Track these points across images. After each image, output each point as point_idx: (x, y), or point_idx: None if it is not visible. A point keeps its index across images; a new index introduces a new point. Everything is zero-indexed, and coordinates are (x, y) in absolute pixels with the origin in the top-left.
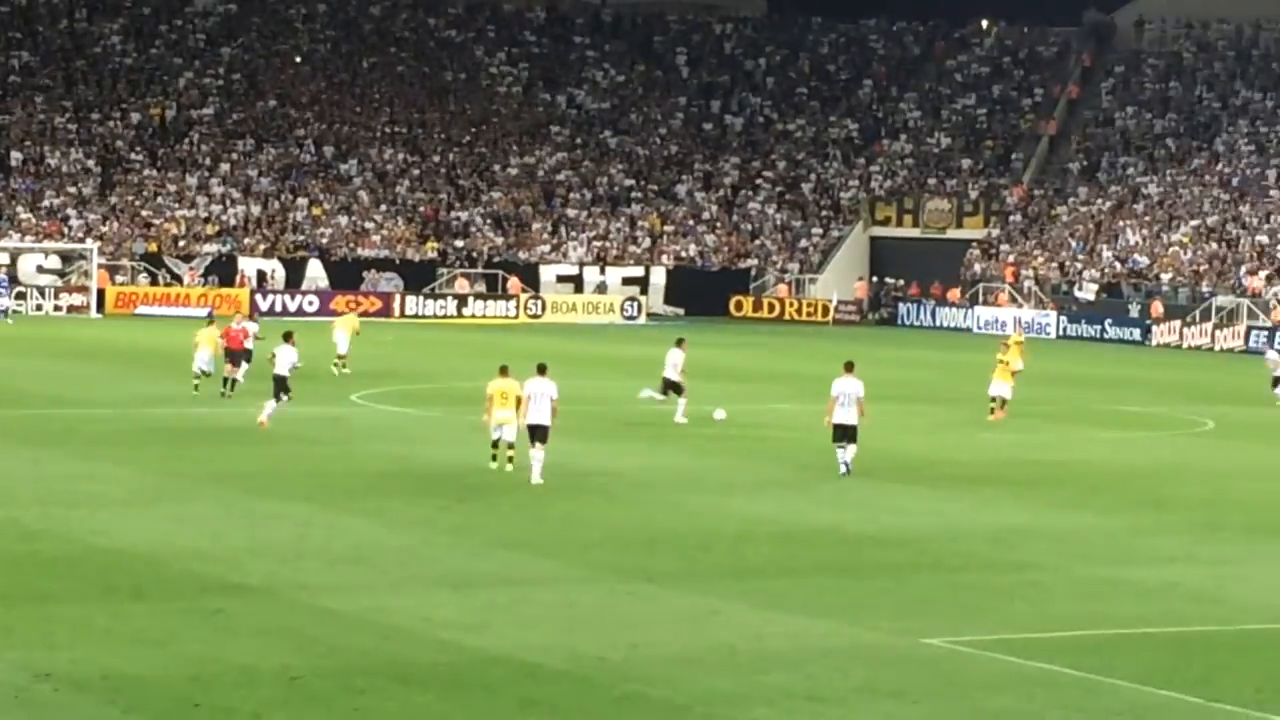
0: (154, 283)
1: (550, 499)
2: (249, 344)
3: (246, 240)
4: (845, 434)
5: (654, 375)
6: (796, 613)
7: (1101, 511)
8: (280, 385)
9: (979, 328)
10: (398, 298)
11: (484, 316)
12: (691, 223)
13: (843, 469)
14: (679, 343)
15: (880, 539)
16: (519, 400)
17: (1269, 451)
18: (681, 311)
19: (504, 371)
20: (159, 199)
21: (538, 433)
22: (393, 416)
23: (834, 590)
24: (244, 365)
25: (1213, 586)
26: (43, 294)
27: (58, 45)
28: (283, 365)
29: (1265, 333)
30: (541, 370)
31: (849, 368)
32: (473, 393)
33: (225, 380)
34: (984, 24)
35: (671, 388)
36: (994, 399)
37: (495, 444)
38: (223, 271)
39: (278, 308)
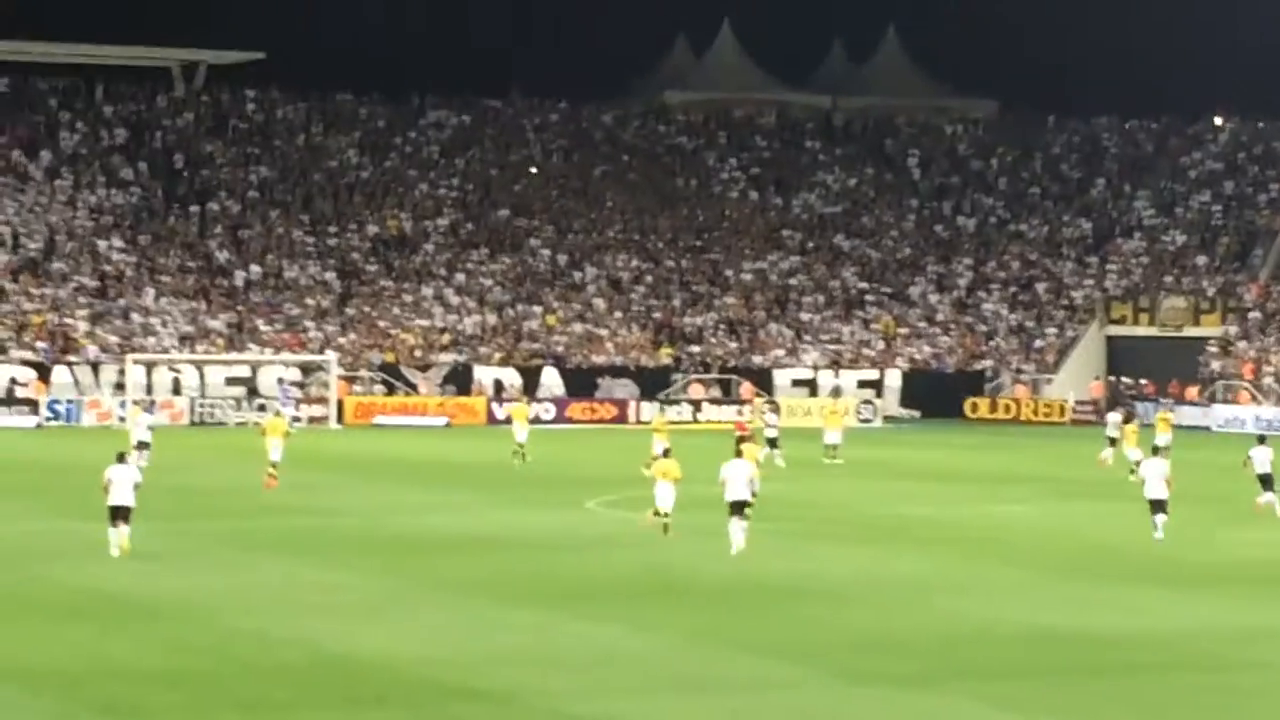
0: (390, 393)
1: (782, 600)
2: None
3: (482, 349)
4: (1158, 506)
5: (884, 476)
6: (1039, 715)
7: None
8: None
9: (1218, 426)
10: (632, 404)
11: (718, 421)
12: (925, 324)
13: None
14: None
15: (1120, 640)
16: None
17: None
18: (918, 414)
19: (666, 454)
20: (395, 310)
21: (737, 507)
22: (626, 523)
23: (1074, 691)
24: None
25: None
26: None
27: (295, 160)
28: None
29: None
30: (738, 454)
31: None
32: (694, 495)
33: None
34: (1217, 120)
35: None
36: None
37: (658, 512)
38: (459, 381)
39: None
